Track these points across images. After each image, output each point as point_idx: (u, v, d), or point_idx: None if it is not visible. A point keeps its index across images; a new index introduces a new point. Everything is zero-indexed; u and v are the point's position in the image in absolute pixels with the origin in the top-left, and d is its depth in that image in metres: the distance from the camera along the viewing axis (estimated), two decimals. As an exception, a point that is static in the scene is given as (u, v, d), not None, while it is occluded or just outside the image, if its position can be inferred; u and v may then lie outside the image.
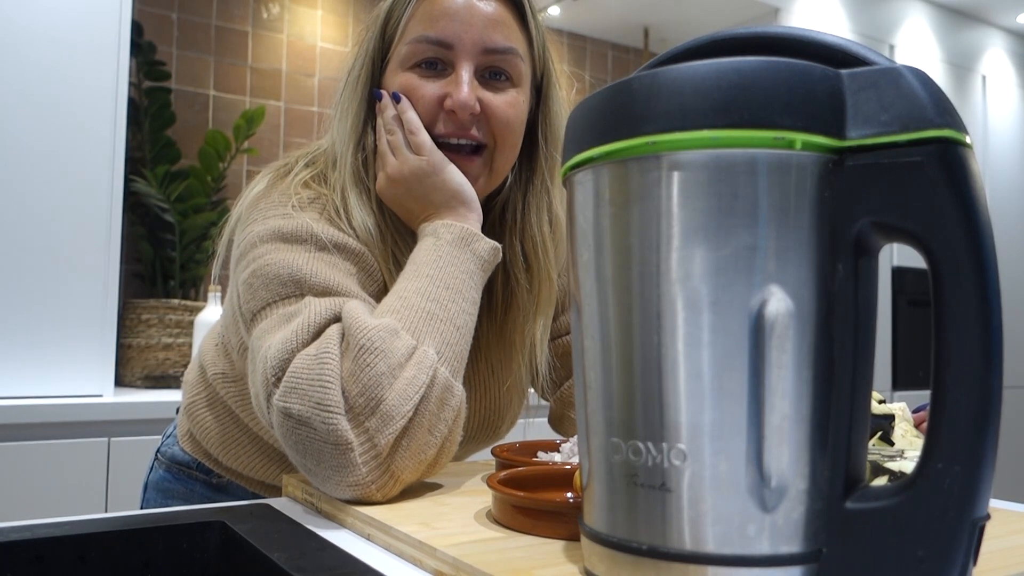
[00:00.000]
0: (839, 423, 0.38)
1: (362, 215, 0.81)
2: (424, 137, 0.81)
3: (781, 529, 0.38)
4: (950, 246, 0.36)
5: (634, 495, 0.40)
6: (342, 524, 0.63)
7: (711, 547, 0.38)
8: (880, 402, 0.73)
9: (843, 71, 0.39)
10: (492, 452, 0.78)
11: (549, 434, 0.99)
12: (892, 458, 0.57)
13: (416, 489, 0.70)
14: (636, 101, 0.40)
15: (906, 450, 0.63)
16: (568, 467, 0.67)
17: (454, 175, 0.81)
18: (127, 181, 2.04)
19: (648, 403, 0.40)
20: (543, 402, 1.03)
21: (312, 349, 0.66)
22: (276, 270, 0.73)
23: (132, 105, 2.12)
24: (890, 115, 0.38)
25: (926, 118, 0.37)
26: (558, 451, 0.77)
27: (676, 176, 0.39)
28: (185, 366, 2.01)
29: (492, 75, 0.83)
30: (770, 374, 0.38)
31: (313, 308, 0.69)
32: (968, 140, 0.38)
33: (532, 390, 0.99)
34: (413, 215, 0.82)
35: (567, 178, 0.46)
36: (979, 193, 0.37)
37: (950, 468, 0.36)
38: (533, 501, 0.55)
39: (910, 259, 3.26)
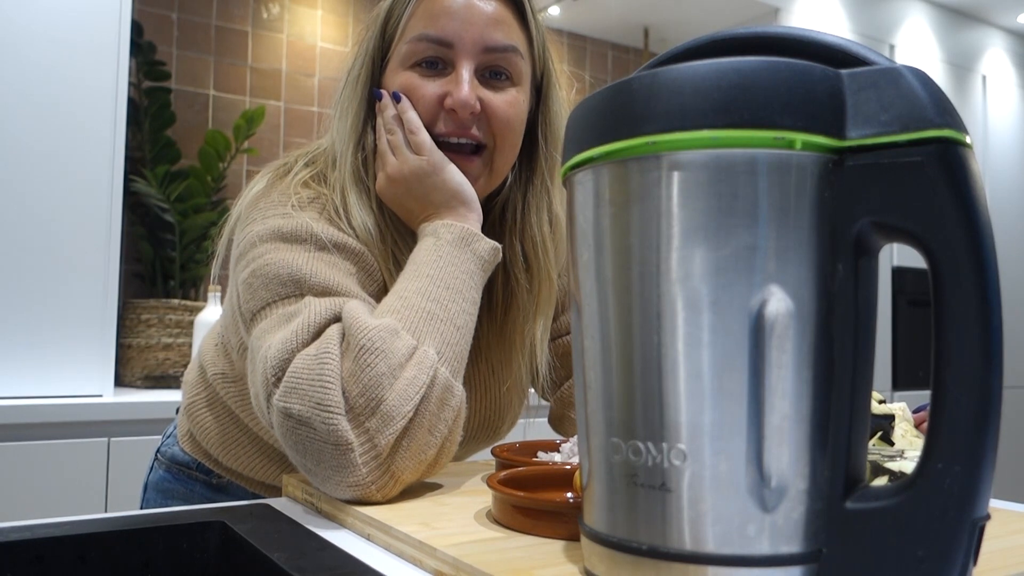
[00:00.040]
0: (839, 423, 0.38)
1: (362, 215, 0.81)
2: (424, 137, 0.81)
3: (781, 529, 0.38)
4: (950, 246, 0.36)
5: (634, 495, 0.40)
6: (342, 524, 0.63)
7: (711, 547, 0.38)
8: (880, 402, 0.73)
9: (843, 71, 0.39)
10: (492, 452, 0.78)
11: (549, 434, 0.98)
12: (892, 458, 0.57)
13: (416, 489, 0.70)
14: (636, 101, 0.40)
15: (906, 450, 0.63)
16: (568, 467, 0.66)
17: (454, 175, 0.81)
18: (127, 181, 2.04)
19: (648, 403, 0.40)
20: (543, 402, 1.03)
21: (312, 349, 0.66)
22: (276, 270, 0.73)
23: (132, 105, 2.12)
24: (890, 115, 0.38)
25: (926, 118, 0.37)
26: (558, 451, 0.77)
27: (676, 176, 0.39)
28: (185, 366, 2.01)
29: (492, 74, 0.83)
30: (770, 374, 0.38)
31: (313, 308, 0.69)
32: (968, 140, 0.38)
33: (532, 390, 0.99)
34: (413, 215, 0.82)
35: (567, 178, 0.46)
36: (979, 193, 0.37)
37: (950, 468, 0.36)
38: (533, 501, 0.55)
39: (910, 259, 3.26)
